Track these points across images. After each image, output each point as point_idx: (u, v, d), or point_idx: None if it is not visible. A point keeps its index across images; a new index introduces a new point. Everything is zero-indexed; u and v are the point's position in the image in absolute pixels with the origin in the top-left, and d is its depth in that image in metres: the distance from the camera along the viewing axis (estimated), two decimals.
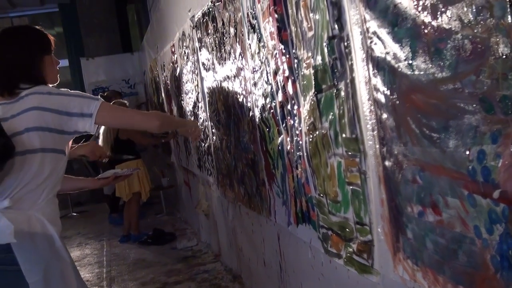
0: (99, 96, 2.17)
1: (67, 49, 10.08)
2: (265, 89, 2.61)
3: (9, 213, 1.96)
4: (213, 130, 4.08)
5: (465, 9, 1.12)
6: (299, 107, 2.20)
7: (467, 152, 1.20)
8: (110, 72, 9.63)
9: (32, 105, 2.05)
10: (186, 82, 4.93)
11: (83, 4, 9.95)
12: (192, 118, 4.90)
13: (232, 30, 3.03)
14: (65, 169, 2.19)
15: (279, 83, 2.39)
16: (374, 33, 1.51)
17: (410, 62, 1.36)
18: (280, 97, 2.41)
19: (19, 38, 2.19)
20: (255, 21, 2.58)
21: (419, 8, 1.28)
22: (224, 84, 3.44)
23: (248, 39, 2.75)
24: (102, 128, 5.99)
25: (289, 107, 2.31)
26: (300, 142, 2.24)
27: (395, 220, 1.58)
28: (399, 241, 1.58)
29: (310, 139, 2.12)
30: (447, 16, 1.18)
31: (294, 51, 2.15)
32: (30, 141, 2.03)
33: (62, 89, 2.17)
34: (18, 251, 1.95)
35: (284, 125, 2.42)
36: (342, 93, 1.79)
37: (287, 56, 2.23)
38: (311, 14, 1.93)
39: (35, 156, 2.03)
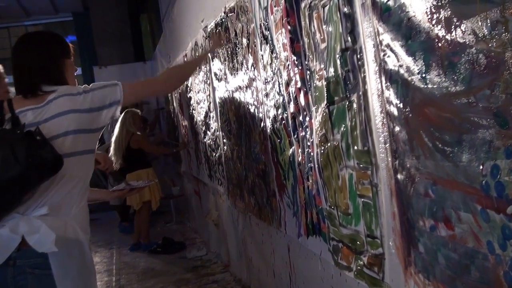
0: (115, 81, 2.21)
1: (80, 57, 10.18)
2: (277, 100, 2.61)
3: (48, 220, 1.96)
4: (224, 140, 4.09)
5: (480, 23, 1.12)
6: (311, 118, 2.19)
7: (481, 167, 1.19)
8: (122, 81, 9.67)
9: (67, 107, 2.03)
10: (198, 92, 4.94)
11: (97, 13, 10.04)
12: (204, 128, 4.91)
13: (244, 40, 3.04)
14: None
15: (291, 94, 2.39)
16: (388, 46, 1.51)
17: (424, 75, 1.36)
18: (292, 108, 2.41)
19: (40, 41, 2.19)
20: (268, 32, 2.59)
21: (433, 22, 1.28)
22: (236, 95, 3.45)
23: (261, 50, 2.75)
24: (114, 137, 6.03)
25: (301, 118, 2.31)
26: (312, 154, 2.24)
27: (407, 234, 1.57)
28: (411, 255, 1.56)
29: (322, 151, 2.12)
30: (462, 30, 1.18)
31: (306, 62, 2.15)
32: (67, 144, 2.01)
33: (85, 85, 2.16)
34: (52, 257, 1.96)
35: (295, 136, 2.42)
36: (355, 105, 1.78)
37: (300, 67, 2.23)
38: (324, 26, 1.94)
39: (70, 159, 2.01)
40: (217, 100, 4.13)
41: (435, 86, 1.31)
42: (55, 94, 2.06)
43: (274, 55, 2.55)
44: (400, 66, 1.46)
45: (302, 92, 2.25)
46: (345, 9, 1.75)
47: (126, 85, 2.22)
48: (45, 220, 1.95)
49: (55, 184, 2.00)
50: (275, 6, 2.44)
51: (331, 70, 1.92)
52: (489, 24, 1.09)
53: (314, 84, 2.10)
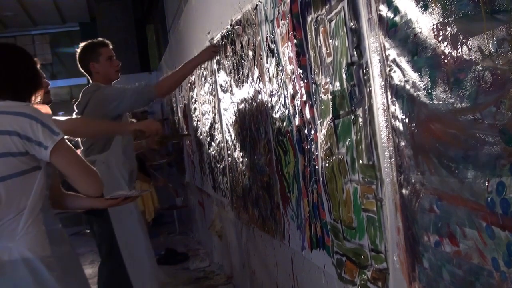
0: (60, 132, 2.00)
1: None
2: (282, 113, 2.62)
3: None
4: (229, 152, 4.09)
5: (486, 40, 1.12)
6: (316, 131, 2.20)
7: (486, 184, 1.19)
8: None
9: (4, 128, 1.92)
10: (203, 103, 4.96)
11: (103, 23, 10.12)
12: (208, 139, 4.92)
13: (250, 53, 3.05)
14: (46, 184, 2.05)
15: (296, 107, 2.40)
16: (393, 61, 1.52)
17: (429, 91, 1.36)
18: (297, 121, 2.42)
19: (8, 51, 2.19)
20: (274, 45, 2.60)
21: (440, 38, 1.28)
22: (241, 107, 3.46)
23: (267, 63, 2.76)
24: None
25: (306, 131, 2.32)
26: (316, 167, 2.24)
27: (411, 249, 1.57)
28: (415, 271, 1.56)
29: (327, 164, 2.12)
30: (468, 47, 1.18)
31: (312, 76, 2.16)
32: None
33: (43, 115, 2.01)
34: None
35: (300, 149, 2.43)
36: (360, 120, 1.79)
37: (305, 81, 2.24)
38: (330, 40, 1.95)
39: (4, 183, 1.92)
40: (222, 112, 4.14)
41: (440, 102, 1.32)
42: (3, 109, 1.97)
43: (280, 68, 2.56)
44: (406, 81, 1.46)
45: (307, 105, 2.26)
46: (352, 24, 1.76)
47: (65, 146, 2.02)
48: None
49: None
50: (281, 20, 2.45)
51: (337, 84, 1.93)
52: (495, 42, 1.10)
53: (320, 98, 2.11)
